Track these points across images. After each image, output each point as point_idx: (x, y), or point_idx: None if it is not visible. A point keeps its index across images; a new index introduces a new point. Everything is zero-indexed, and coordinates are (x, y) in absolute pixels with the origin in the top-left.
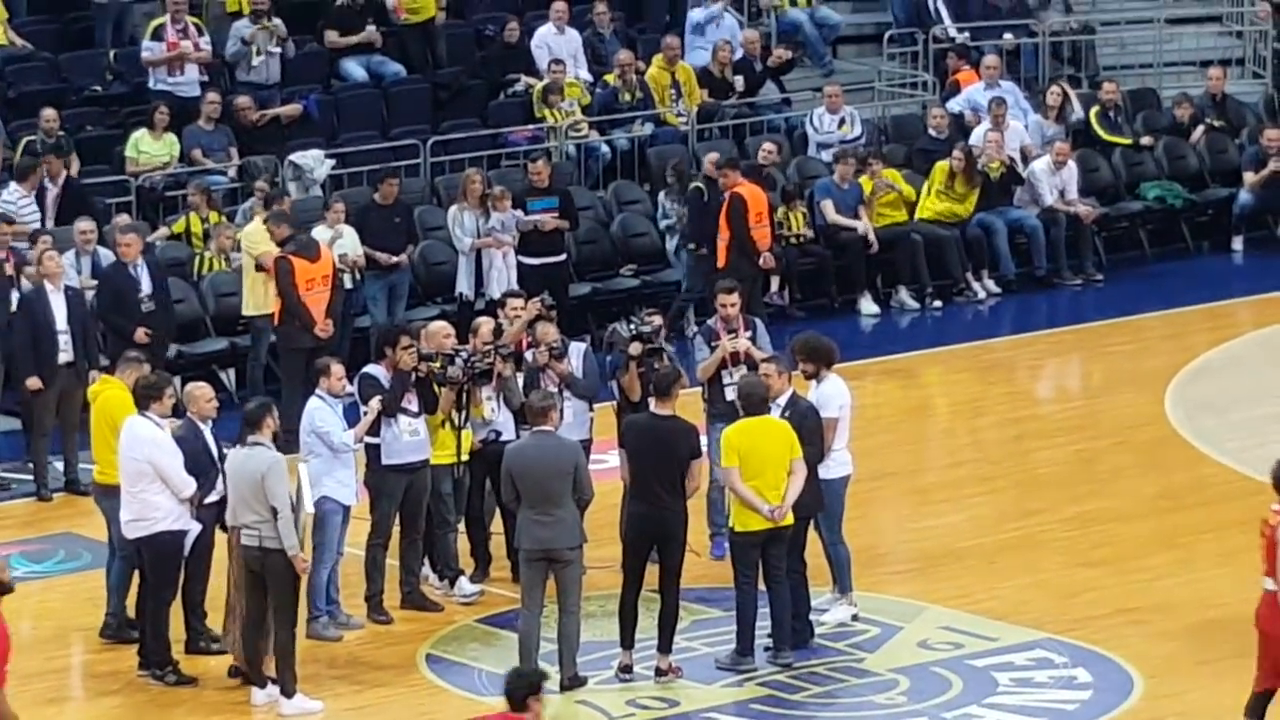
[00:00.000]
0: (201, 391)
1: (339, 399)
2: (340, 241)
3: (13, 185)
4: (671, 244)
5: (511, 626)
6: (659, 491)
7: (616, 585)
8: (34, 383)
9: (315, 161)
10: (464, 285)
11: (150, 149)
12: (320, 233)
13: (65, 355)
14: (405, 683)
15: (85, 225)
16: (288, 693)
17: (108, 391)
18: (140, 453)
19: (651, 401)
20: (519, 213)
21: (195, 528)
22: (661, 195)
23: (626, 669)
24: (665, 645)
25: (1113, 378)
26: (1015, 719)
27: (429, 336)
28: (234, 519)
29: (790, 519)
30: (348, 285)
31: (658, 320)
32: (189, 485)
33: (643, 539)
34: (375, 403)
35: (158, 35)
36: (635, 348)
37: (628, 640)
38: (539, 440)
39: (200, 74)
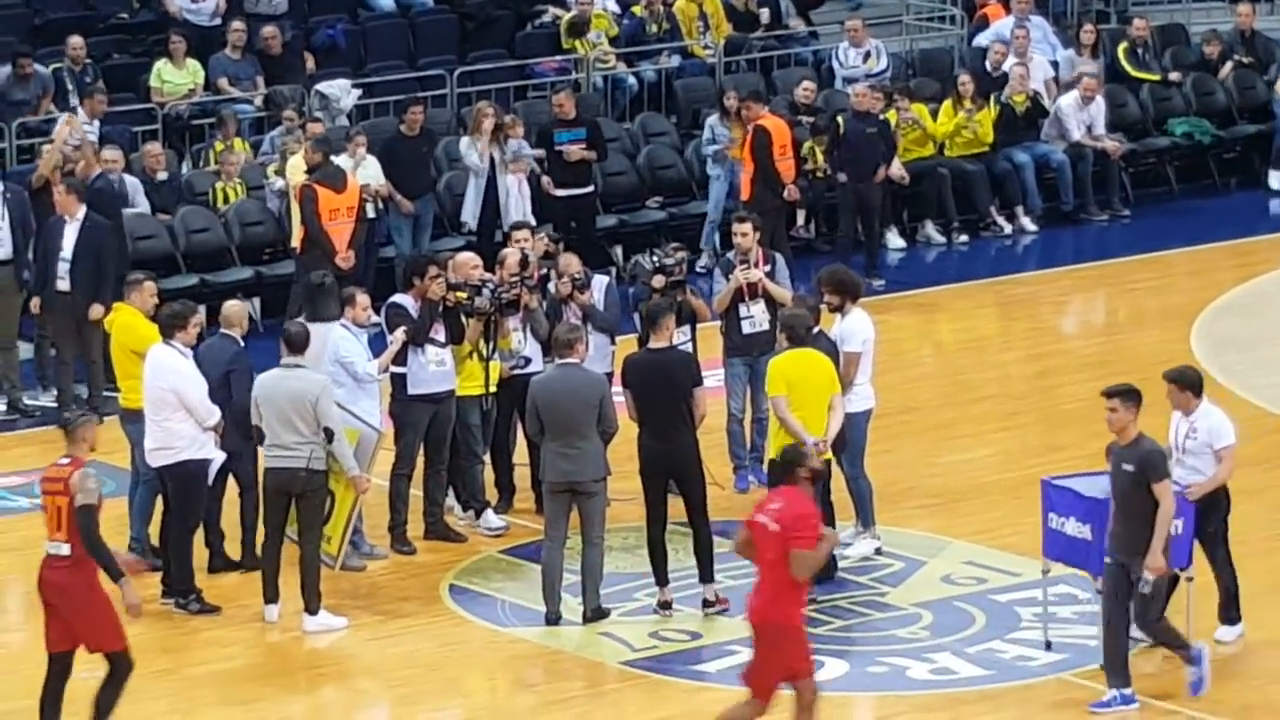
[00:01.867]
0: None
1: (364, 329)
2: (363, 171)
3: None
4: (715, 170)
5: (535, 558)
6: (666, 424)
7: (640, 518)
8: (33, 304)
9: (341, 91)
10: (468, 214)
11: (173, 78)
12: (343, 162)
13: (62, 283)
14: (428, 613)
15: (111, 154)
16: (313, 610)
17: (118, 318)
18: (165, 381)
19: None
20: (525, 143)
21: (220, 456)
22: (713, 118)
23: (665, 605)
24: (707, 575)
25: (1138, 314)
26: (1038, 654)
27: (456, 267)
28: (271, 438)
29: (828, 454)
30: (370, 215)
31: (681, 253)
32: (213, 413)
33: (657, 473)
34: (400, 332)
35: None
36: (658, 280)
37: (662, 576)
38: (564, 372)
39: (218, 3)
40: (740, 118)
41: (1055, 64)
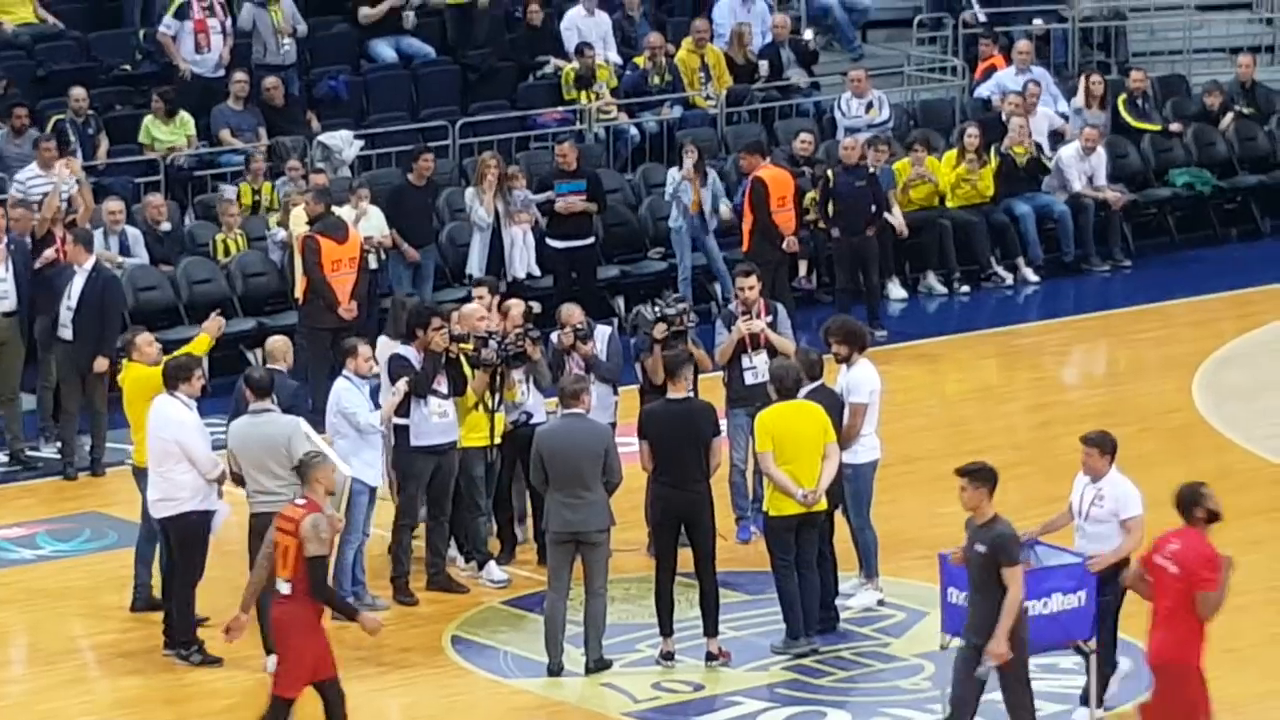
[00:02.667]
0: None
1: (366, 380)
2: (365, 222)
3: (32, 166)
4: (677, 221)
5: (538, 609)
6: (684, 473)
7: (643, 568)
8: (98, 364)
9: (344, 142)
10: (474, 266)
11: (161, 133)
12: (345, 213)
13: (65, 332)
14: (431, 664)
15: (114, 205)
16: None
17: (129, 374)
18: (167, 433)
19: (667, 385)
20: (528, 193)
21: (224, 508)
22: (674, 170)
23: (668, 656)
24: (712, 629)
25: (1140, 364)
26: (1042, 704)
27: (463, 318)
28: (253, 484)
29: (824, 504)
30: (372, 265)
31: (683, 304)
32: (216, 465)
33: (670, 520)
34: (403, 383)
35: (180, 13)
36: (660, 330)
37: (667, 627)
38: (570, 423)
39: (222, 54)
40: (698, 171)
41: (1065, 116)
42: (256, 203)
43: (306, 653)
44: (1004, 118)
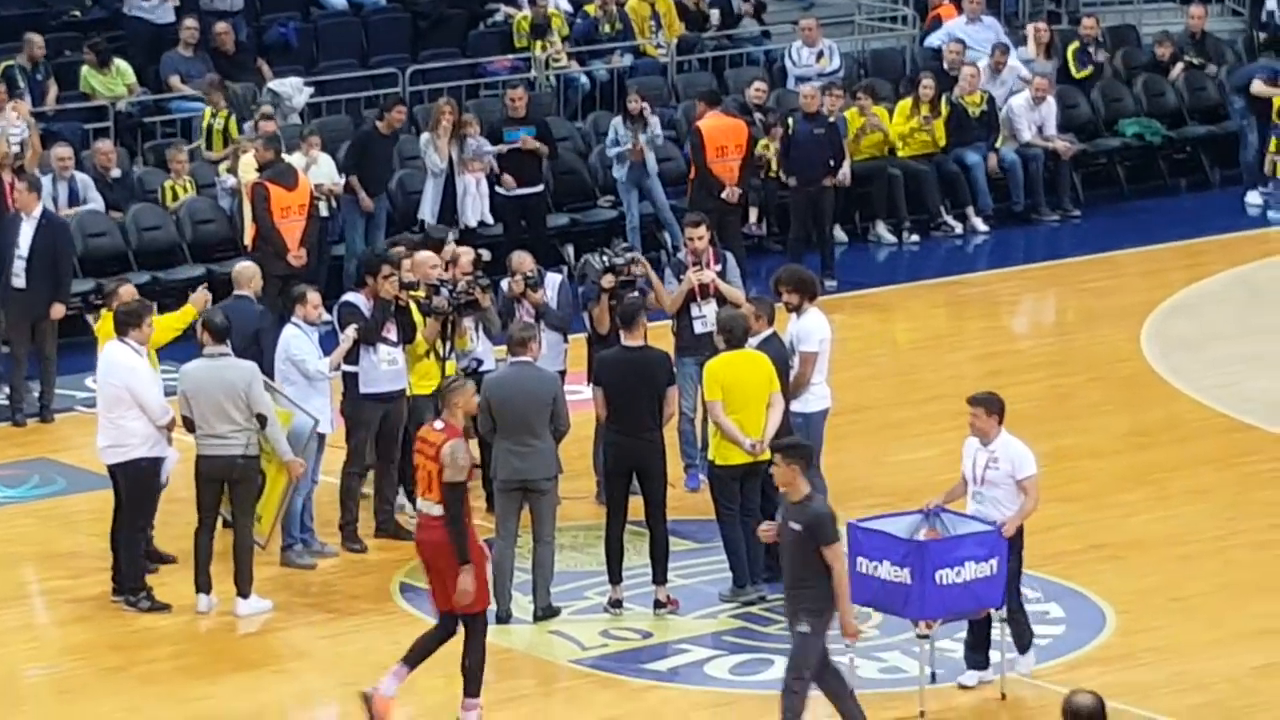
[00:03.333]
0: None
1: (315, 327)
2: (316, 169)
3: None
4: (620, 172)
5: None
6: (638, 421)
7: (590, 516)
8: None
9: (294, 90)
10: (426, 213)
11: (99, 83)
12: (295, 160)
13: (18, 280)
14: (379, 611)
15: (62, 151)
16: (244, 593)
17: (106, 324)
18: (117, 378)
19: (621, 334)
20: (484, 140)
21: (173, 454)
22: (616, 120)
23: (616, 604)
24: (661, 577)
25: (1089, 314)
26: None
27: (415, 266)
28: (205, 428)
29: (768, 454)
30: (323, 213)
31: (632, 253)
32: (166, 412)
33: (622, 469)
34: (351, 330)
35: None
36: (608, 280)
37: (616, 575)
38: (518, 371)
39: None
40: (641, 119)
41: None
42: (225, 130)
43: (451, 575)
44: (946, 68)
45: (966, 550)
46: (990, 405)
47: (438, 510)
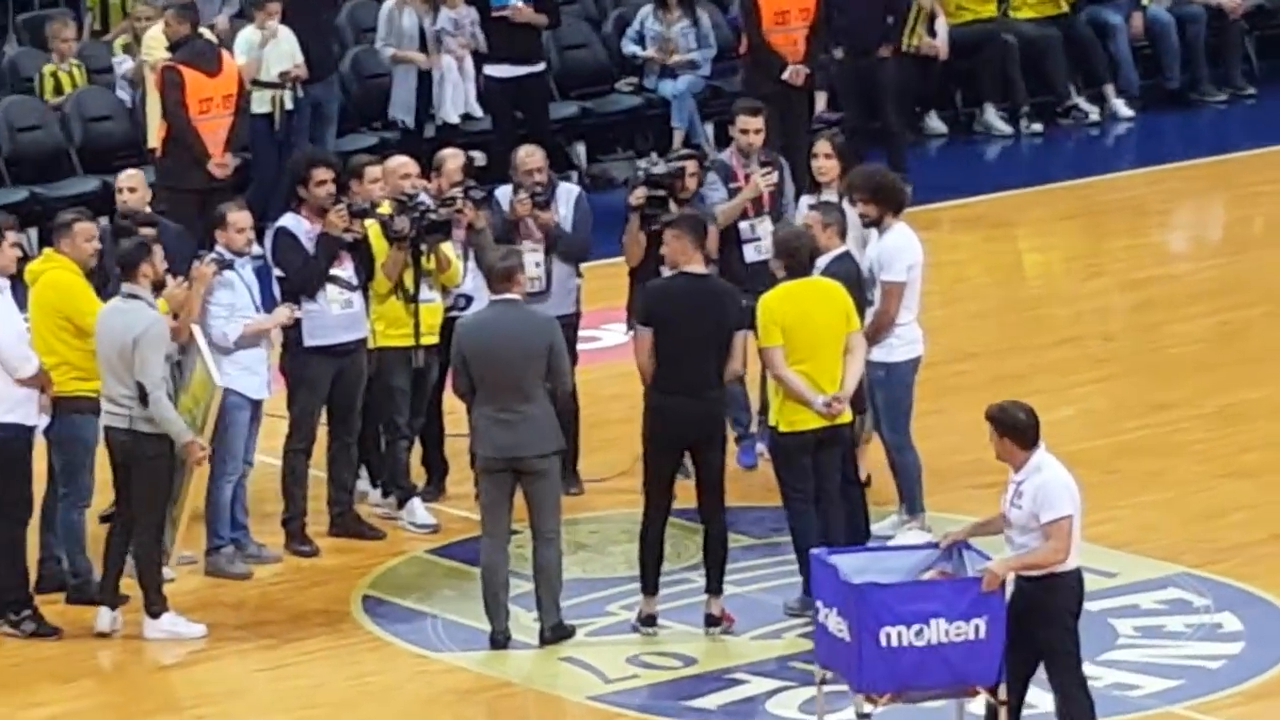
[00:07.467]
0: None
1: (241, 257)
2: (275, 49)
3: None
4: (651, 81)
5: (475, 560)
6: (701, 376)
7: (611, 506)
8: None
9: None
10: (401, 109)
11: None
12: (248, 36)
13: None
14: (336, 633)
15: None
16: (154, 612)
17: (47, 273)
18: None
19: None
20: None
21: (42, 422)
22: (647, 8)
23: (648, 620)
24: (716, 585)
25: (1268, 226)
26: (1142, 680)
27: (386, 175)
28: (104, 388)
29: (848, 415)
30: (288, 106)
31: (680, 163)
32: (28, 362)
33: (675, 440)
34: (282, 313)
35: None
36: (638, 194)
37: (651, 583)
38: (501, 312)
39: None
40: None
41: None
42: None
43: None
44: None
45: (932, 603)
46: (1001, 423)
47: None
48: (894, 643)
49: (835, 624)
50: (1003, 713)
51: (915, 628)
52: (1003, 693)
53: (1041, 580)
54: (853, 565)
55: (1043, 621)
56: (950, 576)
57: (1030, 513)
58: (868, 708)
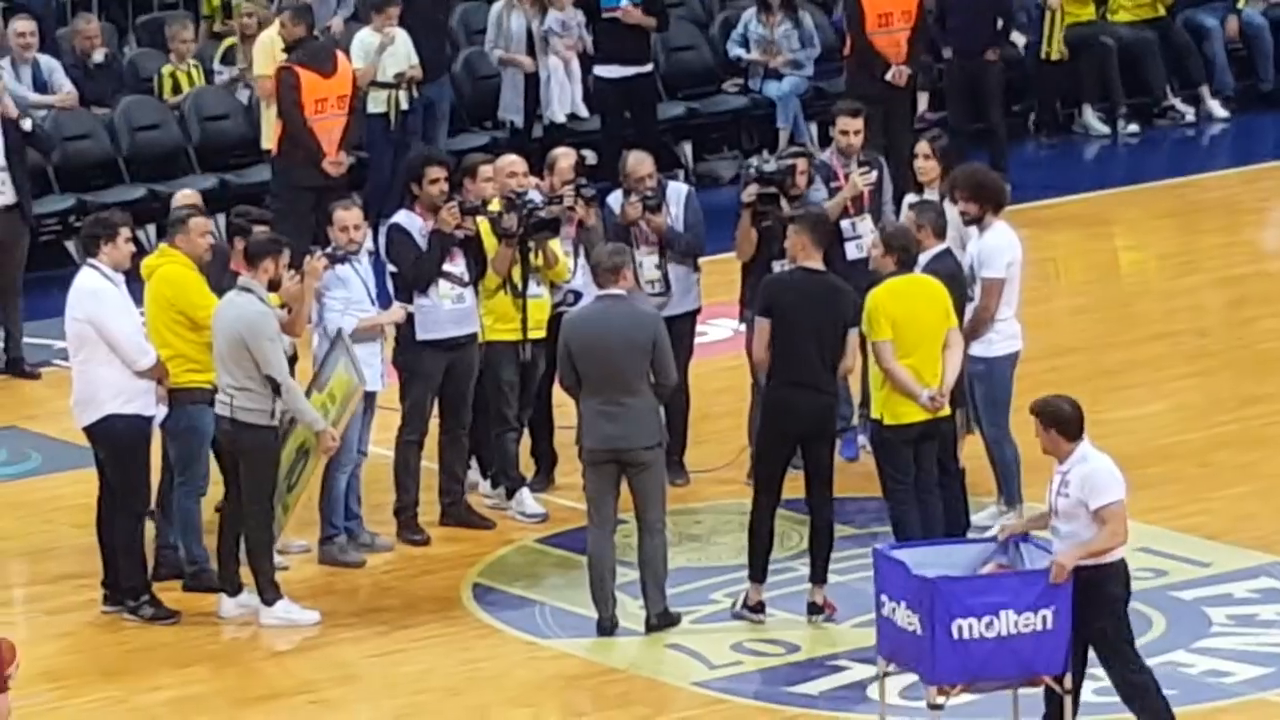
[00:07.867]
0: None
1: (354, 255)
2: (392, 51)
3: None
4: (755, 83)
5: (583, 549)
6: (816, 372)
7: (717, 496)
8: None
9: None
10: (511, 110)
11: None
12: (365, 39)
13: (4, 198)
14: (446, 621)
15: (23, 26)
16: (267, 600)
17: (162, 269)
18: (80, 310)
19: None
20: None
21: (160, 413)
22: (750, 12)
23: (756, 608)
24: (820, 574)
25: None
26: (1234, 668)
27: (496, 172)
28: (218, 379)
29: (947, 409)
30: (403, 106)
31: (792, 161)
32: (145, 354)
33: (790, 434)
34: (395, 312)
35: None
36: (750, 191)
37: (760, 571)
38: (606, 307)
39: None
40: (774, 10)
41: None
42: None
43: None
44: None
45: (1001, 595)
46: (1046, 416)
47: None
48: (966, 635)
49: (905, 617)
50: (1067, 701)
51: (986, 619)
52: (1069, 682)
53: (1092, 570)
54: (917, 559)
55: (1095, 611)
56: (1007, 569)
57: (1078, 500)
58: (940, 699)
